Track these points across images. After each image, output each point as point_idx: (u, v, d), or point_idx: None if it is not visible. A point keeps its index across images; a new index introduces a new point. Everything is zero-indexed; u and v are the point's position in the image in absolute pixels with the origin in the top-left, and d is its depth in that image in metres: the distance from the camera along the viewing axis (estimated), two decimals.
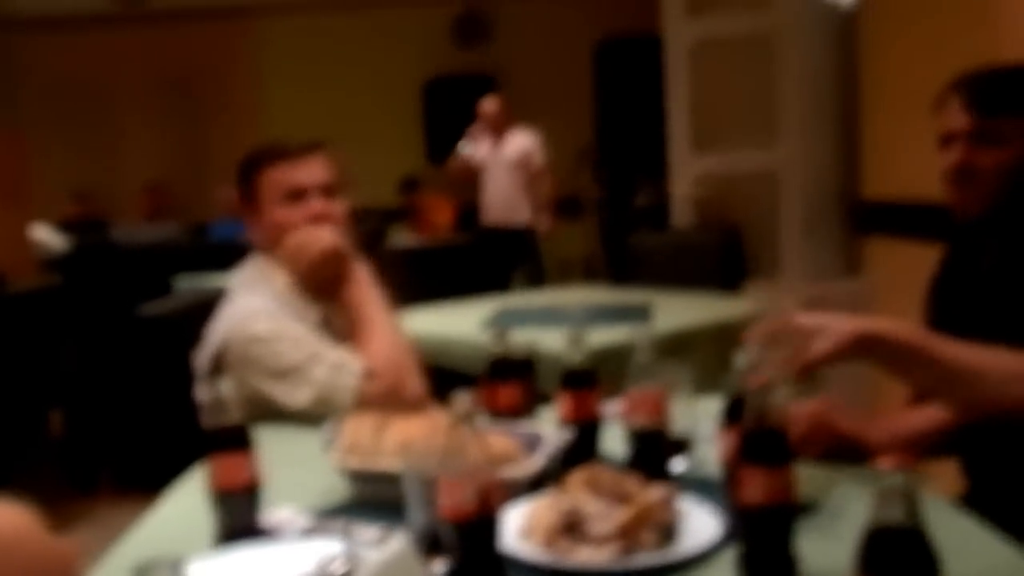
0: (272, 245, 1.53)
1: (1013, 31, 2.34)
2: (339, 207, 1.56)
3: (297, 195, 1.52)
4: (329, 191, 1.55)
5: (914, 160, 2.99)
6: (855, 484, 1.08)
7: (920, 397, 1.48)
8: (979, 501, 1.38)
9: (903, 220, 3.00)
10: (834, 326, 1.02)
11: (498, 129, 4.92)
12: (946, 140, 1.36)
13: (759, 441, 0.84)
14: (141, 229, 5.35)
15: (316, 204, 1.52)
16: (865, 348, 1.01)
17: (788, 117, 3.56)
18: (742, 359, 1.00)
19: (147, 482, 1.30)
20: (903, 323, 1.03)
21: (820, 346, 1.02)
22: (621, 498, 0.96)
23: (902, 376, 1.04)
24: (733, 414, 1.01)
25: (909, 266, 2.88)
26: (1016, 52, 2.28)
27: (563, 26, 6.86)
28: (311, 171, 1.54)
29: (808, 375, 1.03)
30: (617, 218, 6.25)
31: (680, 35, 3.75)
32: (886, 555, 0.64)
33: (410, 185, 6.38)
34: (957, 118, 1.34)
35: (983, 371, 1.01)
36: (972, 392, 1.02)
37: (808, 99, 3.55)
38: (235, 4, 6.83)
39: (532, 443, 1.14)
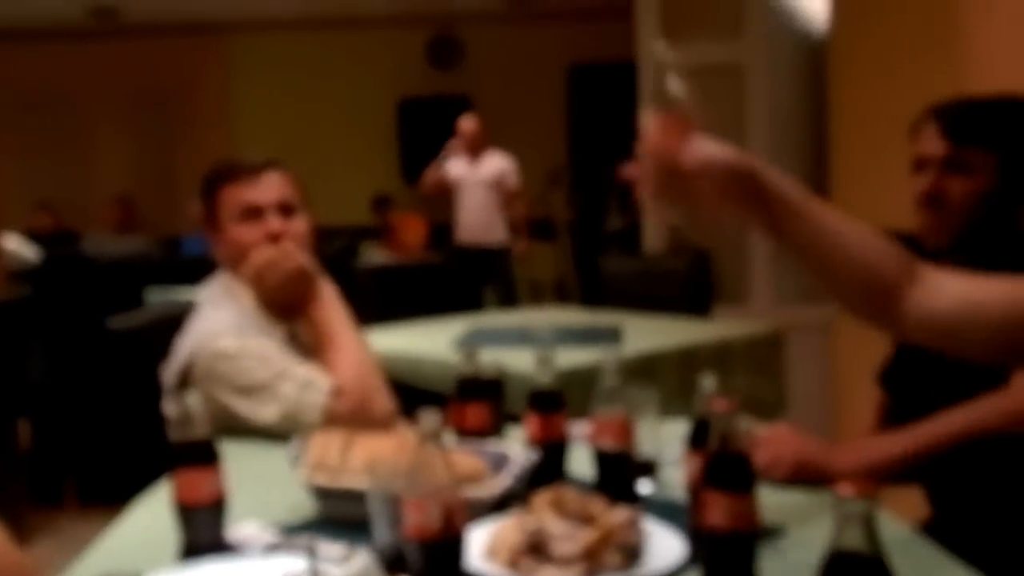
0: (234, 263, 1.52)
1: (977, 63, 2.41)
2: (299, 225, 1.55)
3: (253, 213, 1.51)
4: (286, 209, 1.54)
5: (881, 189, 3.05)
6: (818, 510, 1.09)
7: (884, 424, 1.51)
8: (942, 529, 1.41)
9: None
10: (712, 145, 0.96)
11: (475, 148, 4.94)
12: (919, 165, 1.40)
13: (722, 466, 0.85)
14: (112, 241, 5.28)
15: (273, 222, 1.51)
16: (752, 187, 0.95)
17: (758, 145, 3.62)
18: (707, 383, 1.01)
19: (112, 495, 1.29)
20: (781, 175, 0.97)
21: (701, 156, 0.95)
22: (586, 519, 0.96)
23: (779, 231, 0.98)
24: (698, 438, 1.02)
25: None
26: (980, 83, 2.35)
27: (537, 50, 6.93)
28: (266, 189, 1.53)
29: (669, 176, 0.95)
30: (589, 240, 6.30)
31: (653, 60, 3.81)
32: None
33: (382, 203, 6.38)
34: (932, 144, 1.37)
35: (854, 238, 0.97)
36: (841, 258, 0.97)
37: (778, 128, 3.62)
38: (208, 20, 6.81)
39: (499, 463, 1.15)
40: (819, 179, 3.60)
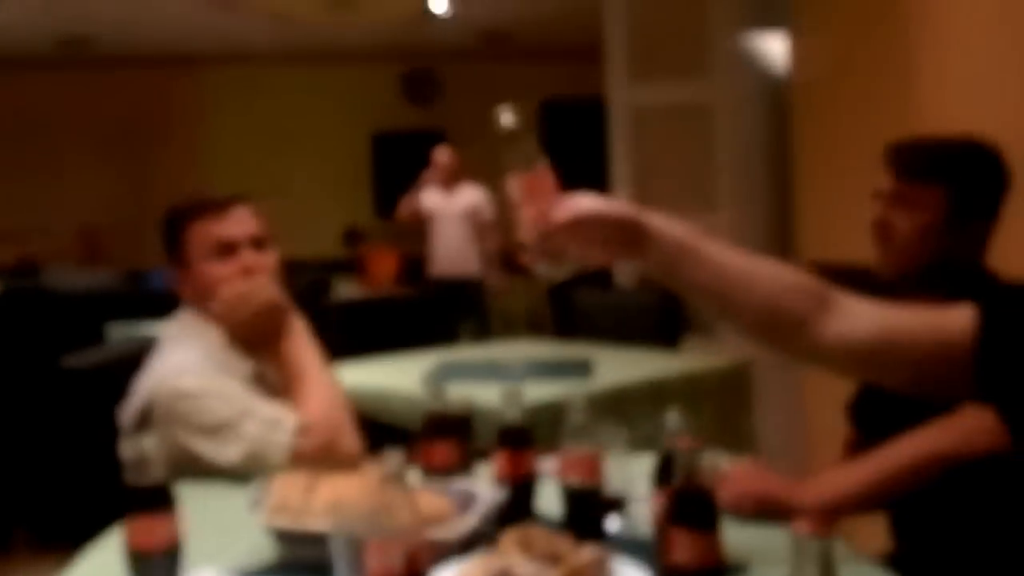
0: (203, 300, 1.50)
1: (931, 100, 2.48)
2: (270, 259, 1.53)
3: (227, 249, 1.49)
4: (259, 243, 1.53)
5: (844, 223, 3.11)
6: (782, 546, 1.09)
7: (852, 457, 1.51)
8: (905, 559, 1.41)
9: (837, 282, 3.11)
10: (602, 202, 0.97)
11: (450, 180, 4.96)
12: (874, 198, 1.47)
13: (687, 503, 0.85)
14: (74, 275, 5.20)
15: (247, 257, 1.50)
16: (635, 235, 0.96)
17: (724, 183, 3.68)
18: (672, 419, 1.01)
19: (64, 543, 1.25)
20: (673, 221, 0.98)
21: (569, 211, 0.95)
22: (553, 559, 0.95)
23: (668, 275, 0.98)
24: (664, 474, 1.02)
25: None
26: (934, 119, 2.41)
27: (511, 86, 6.98)
28: (240, 224, 1.51)
29: (551, 238, 0.95)
30: None
31: (622, 100, 3.87)
32: None
33: (354, 237, 6.38)
34: (884, 179, 1.45)
35: (756, 277, 0.97)
36: (743, 297, 0.97)
37: (744, 166, 3.69)
38: (181, 52, 6.81)
39: (466, 502, 1.13)
40: (784, 213, 3.65)
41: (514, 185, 0.98)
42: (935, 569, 1.36)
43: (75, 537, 1.21)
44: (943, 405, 1.16)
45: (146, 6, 5.62)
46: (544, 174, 0.98)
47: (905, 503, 1.34)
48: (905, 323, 0.96)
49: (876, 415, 1.46)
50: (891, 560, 1.44)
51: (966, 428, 1.18)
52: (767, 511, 1.16)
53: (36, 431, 3.07)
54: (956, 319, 0.94)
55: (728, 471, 1.21)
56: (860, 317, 0.97)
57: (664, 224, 0.96)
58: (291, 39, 6.45)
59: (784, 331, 0.98)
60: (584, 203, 0.96)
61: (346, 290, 5.66)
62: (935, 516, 1.36)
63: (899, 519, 1.46)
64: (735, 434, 2.39)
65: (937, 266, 1.40)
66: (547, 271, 0.99)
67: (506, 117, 1.00)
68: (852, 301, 0.98)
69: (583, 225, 0.95)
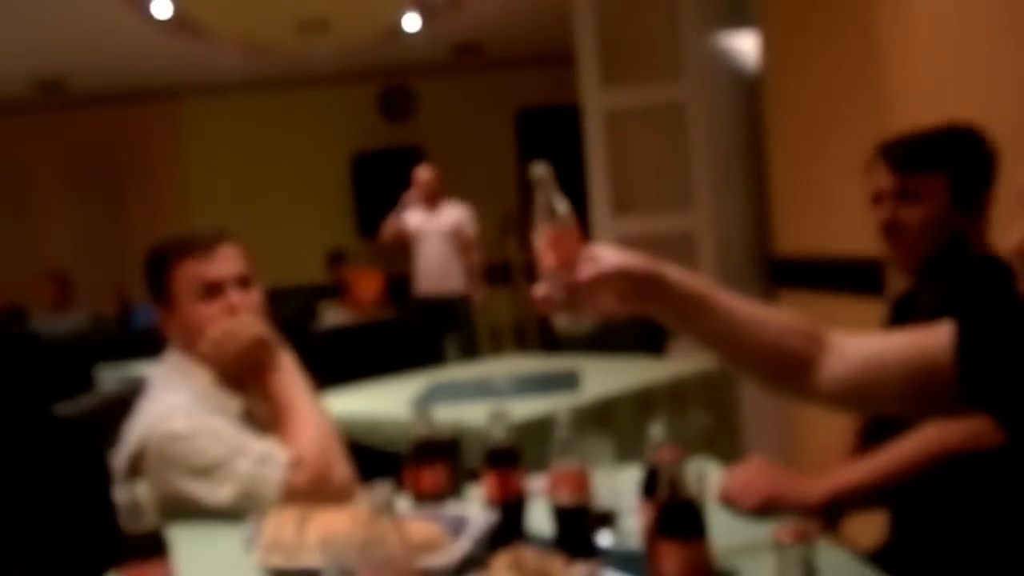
0: (189, 341, 1.50)
1: (899, 93, 2.51)
2: (255, 297, 1.54)
3: (213, 290, 1.49)
4: (244, 282, 1.53)
5: (819, 216, 3.15)
6: (771, 551, 1.10)
7: (861, 444, 1.53)
8: (900, 552, 1.43)
9: (813, 273, 3.15)
10: (613, 254, 0.99)
11: (432, 198, 4.97)
12: (876, 200, 1.49)
13: (673, 515, 0.86)
14: (62, 318, 5.17)
15: (233, 296, 1.50)
16: (649, 287, 0.98)
17: (701, 180, 3.71)
18: (655, 432, 1.02)
19: None
20: (686, 272, 1.00)
21: (594, 267, 0.97)
22: None
23: (681, 325, 1.01)
24: (650, 487, 1.03)
25: (821, 314, 3.00)
26: (907, 113, 2.45)
27: (485, 97, 7.04)
28: (225, 264, 1.51)
29: (576, 296, 0.98)
30: None
31: (597, 105, 3.89)
32: None
33: (336, 259, 6.37)
34: (883, 179, 1.47)
35: (763, 323, 1.00)
36: (751, 343, 1.00)
37: (719, 163, 3.72)
38: (157, 87, 6.81)
39: (457, 527, 1.14)
40: (760, 207, 3.69)
41: (540, 237, 0.99)
42: (929, 561, 1.38)
43: None
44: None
45: (117, 43, 5.62)
46: (571, 228, 0.99)
47: (904, 496, 1.37)
48: (887, 350, 0.99)
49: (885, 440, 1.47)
50: (884, 552, 1.46)
51: (974, 424, 1.19)
52: (772, 505, 1.18)
53: (29, 479, 3.05)
54: (936, 336, 0.96)
55: (737, 466, 1.24)
56: (845, 353, 0.99)
57: (680, 276, 0.99)
58: (264, 65, 6.46)
59: (787, 374, 1.01)
60: (608, 258, 0.98)
61: (332, 315, 5.65)
62: (933, 509, 1.38)
63: (899, 511, 1.48)
64: (723, 435, 2.41)
65: (950, 252, 1.43)
66: (568, 324, 1.01)
67: (539, 169, 1.01)
68: (840, 338, 1.01)
69: (606, 279, 0.97)
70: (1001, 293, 0.91)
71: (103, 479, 1.41)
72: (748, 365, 1.02)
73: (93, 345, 3.56)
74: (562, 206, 1.00)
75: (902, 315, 1.54)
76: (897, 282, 2.47)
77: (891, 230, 1.45)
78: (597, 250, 0.99)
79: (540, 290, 0.99)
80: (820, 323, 1.03)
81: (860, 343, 1.01)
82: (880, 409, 1.06)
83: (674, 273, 0.99)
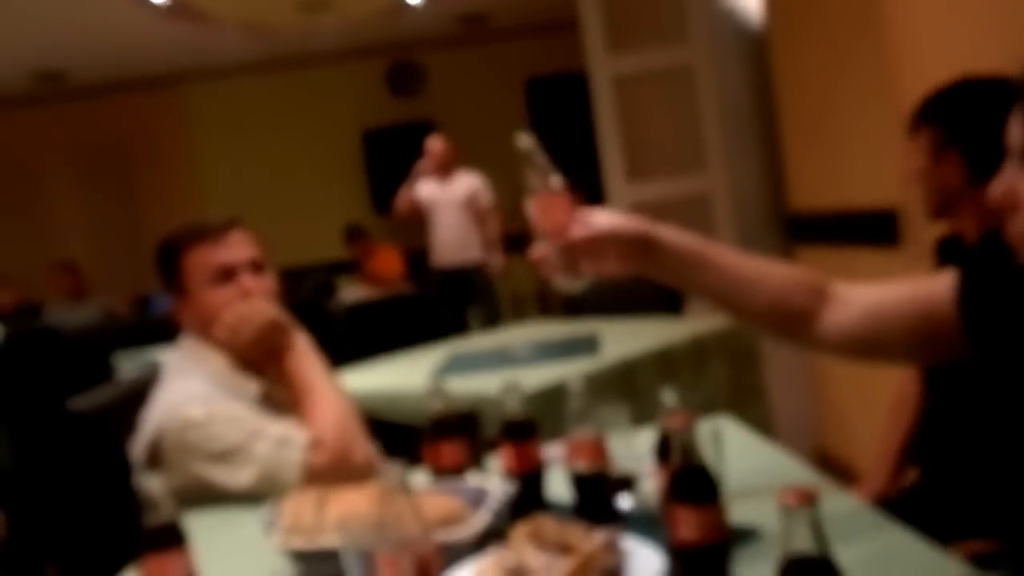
0: (205, 327, 1.51)
1: (904, 48, 2.46)
2: (268, 282, 1.55)
3: (227, 274, 1.51)
4: (257, 267, 1.54)
5: (832, 171, 3.10)
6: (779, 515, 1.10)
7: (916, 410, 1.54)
8: (924, 497, 1.43)
9: (830, 228, 3.11)
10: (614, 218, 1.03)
11: (445, 168, 4.94)
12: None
13: (685, 480, 0.86)
14: (68, 310, 5.23)
15: (247, 281, 1.51)
16: (642, 248, 1.03)
17: (713, 141, 3.66)
18: (668, 397, 1.02)
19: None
20: (680, 232, 1.04)
21: (585, 230, 1.02)
22: (564, 549, 0.96)
23: (680, 283, 1.06)
24: (665, 451, 1.02)
25: (838, 269, 2.97)
26: (913, 64, 2.39)
27: (494, 67, 6.97)
28: (237, 249, 1.53)
29: (571, 252, 1.02)
30: None
31: (603, 71, 3.84)
32: None
33: (355, 233, 6.36)
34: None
35: (762, 277, 1.04)
36: (750, 298, 1.04)
37: (731, 123, 3.67)
38: (161, 74, 6.80)
39: (478, 499, 1.14)
40: (774, 166, 3.64)
41: (532, 204, 1.04)
42: (955, 500, 1.38)
43: (106, 571, 1.23)
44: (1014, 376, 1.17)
45: (117, 31, 5.61)
46: (561, 193, 1.03)
47: (935, 448, 1.37)
48: (890, 299, 1.02)
49: (951, 384, 1.47)
50: (902, 499, 1.46)
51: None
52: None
53: (56, 472, 3.11)
54: (940, 283, 0.99)
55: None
56: (850, 304, 1.02)
57: (674, 235, 1.03)
58: (267, 47, 6.43)
59: (792, 326, 1.04)
60: (599, 220, 1.02)
61: (352, 292, 5.67)
62: (962, 458, 1.38)
63: (925, 454, 1.49)
64: (746, 391, 2.40)
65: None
66: (566, 284, 1.07)
67: (523, 140, 1.05)
68: (844, 289, 1.04)
69: (598, 241, 1.02)
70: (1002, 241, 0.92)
71: (125, 468, 1.42)
72: (752, 319, 1.06)
73: (110, 334, 3.60)
74: (552, 173, 1.03)
75: (947, 256, 1.56)
76: (917, 229, 2.44)
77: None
78: (590, 214, 1.03)
79: (536, 251, 1.05)
80: (824, 275, 1.05)
81: (864, 293, 1.03)
82: (886, 357, 1.08)
83: (667, 233, 1.02)
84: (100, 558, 1.23)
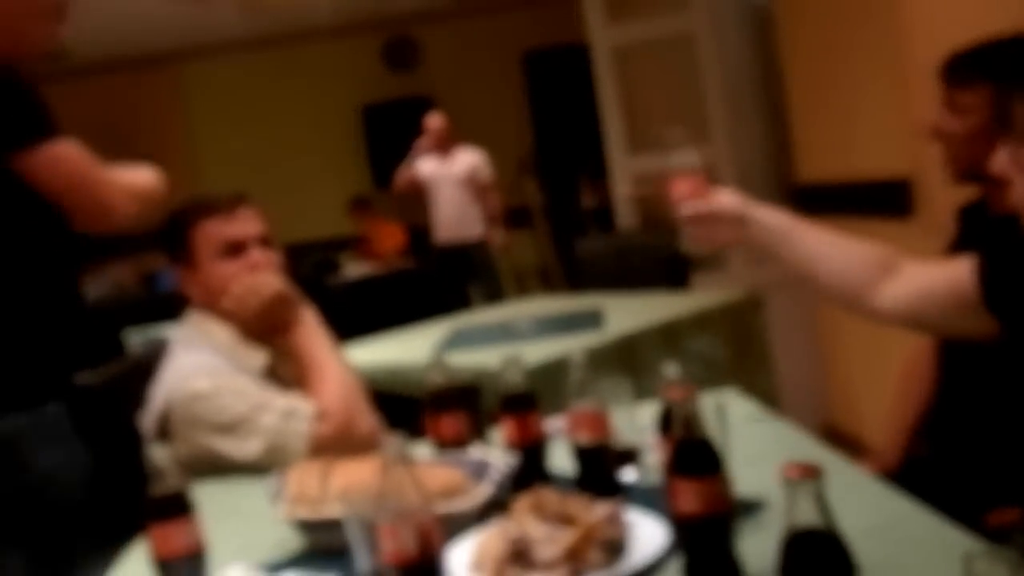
0: (212, 300, 1.51)
1: (920, 10, 2.41)
2: (275, 256, 1.56)
3: (236, 248, 1.51)
4: (265, 241, 1.55)
5: (839, 140, 3.07)
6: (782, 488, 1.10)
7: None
8: (930, 469, 1.43)
9: (835, 199, 3.09)
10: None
11: (444, 145, 4.91)
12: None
13: (687, 453, 0.85)
14: (86, 284, 5.23)
15: (255, 255, 1.52)
16: (738, 224, 1.23)
17: (716, 112, 3.63)
18: (669, 370, 1.01)
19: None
20: (772, 211, 1.24)
21: (693, 207, 1.23)
22: (566, 520, 0.96)
23: (771, 254, 1.23)
24: (666, 425, 1.02)
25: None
26: (925, 30, 2.36)
27: (491, 41, 6.90)
28: (246, 223, 1.54)
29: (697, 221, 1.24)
30: (566, 222, 6.30)
31: (604, 42, 3.80)
32: (802, 558, 0.66)
33: (361, 204, 6.32)
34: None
35: (832, 252, 1.20)
36: (823, 268, 1.20)
37: (733, 93, 3.63)
38: (160, 51, 6.75)
39: (480, 471, 1.15)
40: (778, 136, 3.60)
41: (676, 183, 1.26)
42: (969, 473, 1.38)
43: (112, 544, 1.24)
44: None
45: (116, 10, 5.56)
46: (693, 174, 1.26)
47: (943, 409, 1.43)
48: (931, 279, 1.15)
49: (969, 360, 1.46)
50: (906, 471, 1.46)
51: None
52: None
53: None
54: (962, 267, 1.10)
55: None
56: (900, 283, 1.16)
57: (765, 214, 1.23)
58: (263, 23, 6.37)
59: (851, 296, 1.19)
60: (715, 198, 1.24)
61: (355, 268, 5.67)
62: (970, 418, 1.40)
63: (933, 425, 1.49)
64: (752, 365, 2.40)
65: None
66: (694, 249, 1.30)
67: (675, 135, 1.28)
68: (909, 265, 1.17)
69: (709, 215, 1.24)
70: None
71: (131, 445, 1.43)
72: (822, 288, 1.22)
73: (119, 310, 3.61)
74: (687, 157, 1.27)
75: (971, 224, 1.53)
76: (930, 199, 2.42)
77: (933, 137, 1.50)
78: (712, 192, 1.24)
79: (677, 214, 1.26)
80: (890, 251, 1.19)
81: (918, 271, 1.16)
82: (931, 330, 1.28)
83: (760, 212, 1.23)
84: (109, 529, 1.24)
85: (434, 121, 4.92)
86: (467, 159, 4.98)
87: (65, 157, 1.38)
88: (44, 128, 1.36)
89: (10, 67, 1.36)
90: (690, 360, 2.16)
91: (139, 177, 1.55)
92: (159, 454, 0.98)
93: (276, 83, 6.99)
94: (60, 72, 6.71)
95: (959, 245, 1.50)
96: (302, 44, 6.89)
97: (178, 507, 0.95)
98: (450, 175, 4.96)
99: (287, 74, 6.98)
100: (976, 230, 1.49)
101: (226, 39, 6.63)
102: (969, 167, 1.44)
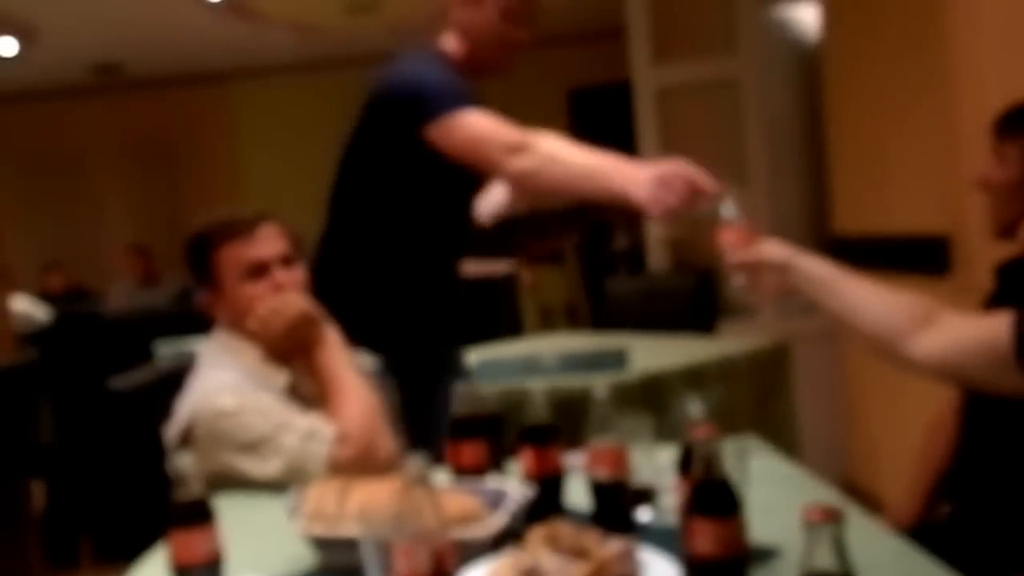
0: (237, 320, 1.53)
1: (965, 67, 2.41)
2: (299, 274, 1.57)
3: (259, 270, 1.53)
4: (287, 260, 1.56)
5: (879, 194, 3.05)
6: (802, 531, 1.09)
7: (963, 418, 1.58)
8: (961, 527, 1.41)
9: (872, 253, 3.07)
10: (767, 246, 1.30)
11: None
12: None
13: (706, 493, 0.85)
14: (136, 294, 5.32)
15: (278, 275, 1.53)
16: (784, 272, 1.26)
17: (757, 158, 3.63)
18: (693, 409, 1.01)
19: (129, 553, 1.30)
20: (818, 260, 1.27)
21: (743, 256, 1.28)
22: (579, 553, 0.96)
23: (814, 302, 1.26)
24: (687, 464, 1.02)
25: None
26: (972, 83, 2.35)
27: (536, 77, 6.96)
28: (268, 244, 1.54)
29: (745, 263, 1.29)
30: (596, 263, 6.30)
31: (648, 82, 3.84)
32: None
33: None
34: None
35: (871, 303, 1.21)
36: (862, 318, 1.22)
37: (775, 140, 3.64)
38: (211, 70, 6.92)
39: (496, 500, 1.15)
40: (818, 185, 3.60)
41: (725, 232, 1.32)
42: (991, 535, 1.36)
43: (138, 548, 1.25)
44: None
45: (172, 27, 5.73)
46: (742, 225, 1.32)
47: (966, 467, 1.42)
48: (968, 331, 1.16)
49: (993, 417, 1.46)
50: (926, 528, 1.44)
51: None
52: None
53: (95, 450, 3.18)
54: (1004, 320, 1.10)
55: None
56: (941, 331, 1.17)
57: (810, 263, 1.27)
58: (315, 47, 6.51)
59: (885, 342, 1.20)
60: (761, 247, 1.29)
61: None
62: (994, 478, 1.37)
63: (956, 483, 1.47)
64: (775, 413, 2.37)
65: None
66: (744, 295, 1.34)
67: (728, 209, 1.35)
68: (948, 316, 1.18)
69: (756, 263, 1.29)
70: None
71: (158, 448, 1.45)
72: (861, 334, 1.23)
73: (154, 323, 3.68)
74: (735, 211, 1.34)
75: (1010, 281, 1.53)
76: (969, 257, 2.40)
77: (980, 187, 1.52)
78: (759, 241, 1.29)
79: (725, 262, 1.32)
80: (932, 303, 1.19)
81: (948, 327, 1.17)
82: (964, 383, 1.28)
83: (805, 261, 1.26)
84: (133, 533, 1.26)
85: None
86: (496, 195, 5.01)
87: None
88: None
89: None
90: (713, 406, 2.14)
91: None
92: (184, 460, 1.00)
93: (323, 105, 7.10)
94: (117, 85, 6.93)
95: (996, 302, 1.50)
96: (353, 69, 7.01)
97: (200, 514, 0.97)
98: (480, 211, 4.99)
99: (336, 98, 7.08)
100: (1014, 287, 1.49)
101: (276, 61, 6.78)
102: (1009, 221, 1.46)
